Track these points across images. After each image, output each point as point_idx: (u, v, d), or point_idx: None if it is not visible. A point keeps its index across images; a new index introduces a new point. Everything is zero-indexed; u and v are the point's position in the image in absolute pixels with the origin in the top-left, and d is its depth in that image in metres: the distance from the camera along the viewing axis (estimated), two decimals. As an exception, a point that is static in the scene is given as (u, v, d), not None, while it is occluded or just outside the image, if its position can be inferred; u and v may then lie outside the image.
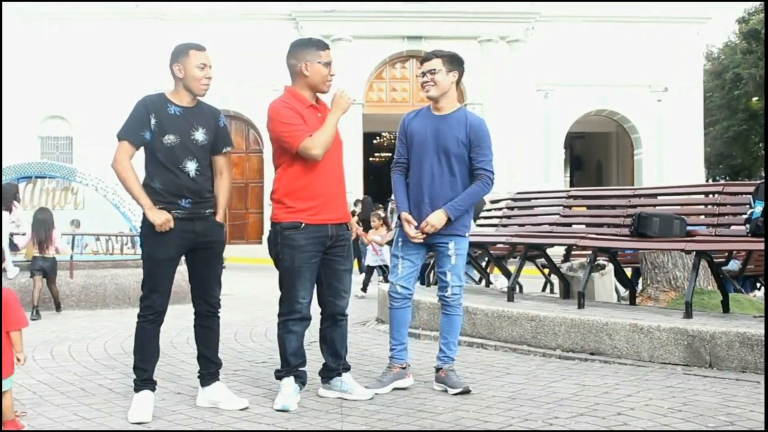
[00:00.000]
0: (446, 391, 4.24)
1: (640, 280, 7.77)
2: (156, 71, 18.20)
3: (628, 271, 8.25)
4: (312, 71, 4.06)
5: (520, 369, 4.91)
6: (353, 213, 14.76)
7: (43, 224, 8.37)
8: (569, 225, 7.33)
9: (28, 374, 4.69)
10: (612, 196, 7.40)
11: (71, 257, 8.99)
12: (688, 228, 5.91)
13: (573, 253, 7.89)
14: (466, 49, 20.30)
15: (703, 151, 25.08)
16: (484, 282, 8.19)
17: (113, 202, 12.62)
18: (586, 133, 27.30)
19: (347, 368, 4.25)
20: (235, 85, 21.12)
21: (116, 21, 22.78)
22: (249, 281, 12.90)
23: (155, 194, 3.83)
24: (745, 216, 5.53)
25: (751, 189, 5.56)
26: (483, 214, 8.71)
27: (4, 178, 11.43)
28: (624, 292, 7.51)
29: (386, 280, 9.83)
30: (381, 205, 16.91)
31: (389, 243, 10.26)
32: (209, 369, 4.04)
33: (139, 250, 4.95)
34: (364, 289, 10.58)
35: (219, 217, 4.01)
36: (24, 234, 8.71)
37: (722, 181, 29.99)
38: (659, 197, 7.16)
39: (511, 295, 6.38)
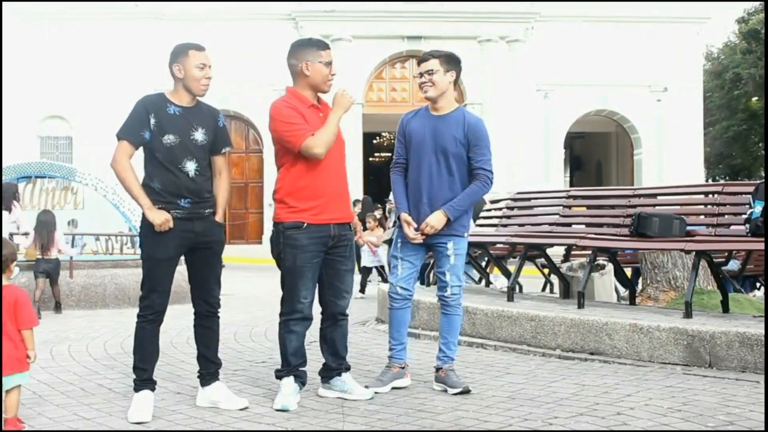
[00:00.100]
0: (446, 390, 4.24)
1: (640, 280, 7.77)
2: (156, 71, 18.16)
3: (628, 271, 8.25)
4: (313, 71, 4.06)
5: (520, 369, 4.91)
6: (352, 213, 14.67)
7: (45, 226, 8.39)
8: (569, 225, 7.33)
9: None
10: (612, 196, 7.40)
11: (71, 257, 8.99)
12: (688, 228, 5.91)
13: (573, 253, 7.89)
14: (465, 49, 20.37)
15: (702, 151, 25.09)
16: (483, 282, 8.19)
17: (113, 201, 12.64)
18: (586, 133, 27.31)
19: (347, 368, 4.25)
20: (235, 85, 21.14)
21: (116, 21, 22.79)
22: (249, 281, 12.90)
23: (154, 194, 3.83)
24: (744, 216, 5.53)
25: (751, 189, 5.55)
26: (483, 214, 8.71)
27: (3, 177, 11.43)
28: (624, 292, 7.51)
29: (385, 281, 9.82)
30: (380, 206, 16.86)
31: (387, 242, 10.30)
32: (209, 369, 4.04)
33: (138, 250, 4.95)
34: (362, 291, 10.56)
35: (218, 217, 4.01)
36: (25, 234, 8.71)
37: (722, 181, 29.97)
38: (659, 197, 7.16)
39: (510, 295, 6.38)
